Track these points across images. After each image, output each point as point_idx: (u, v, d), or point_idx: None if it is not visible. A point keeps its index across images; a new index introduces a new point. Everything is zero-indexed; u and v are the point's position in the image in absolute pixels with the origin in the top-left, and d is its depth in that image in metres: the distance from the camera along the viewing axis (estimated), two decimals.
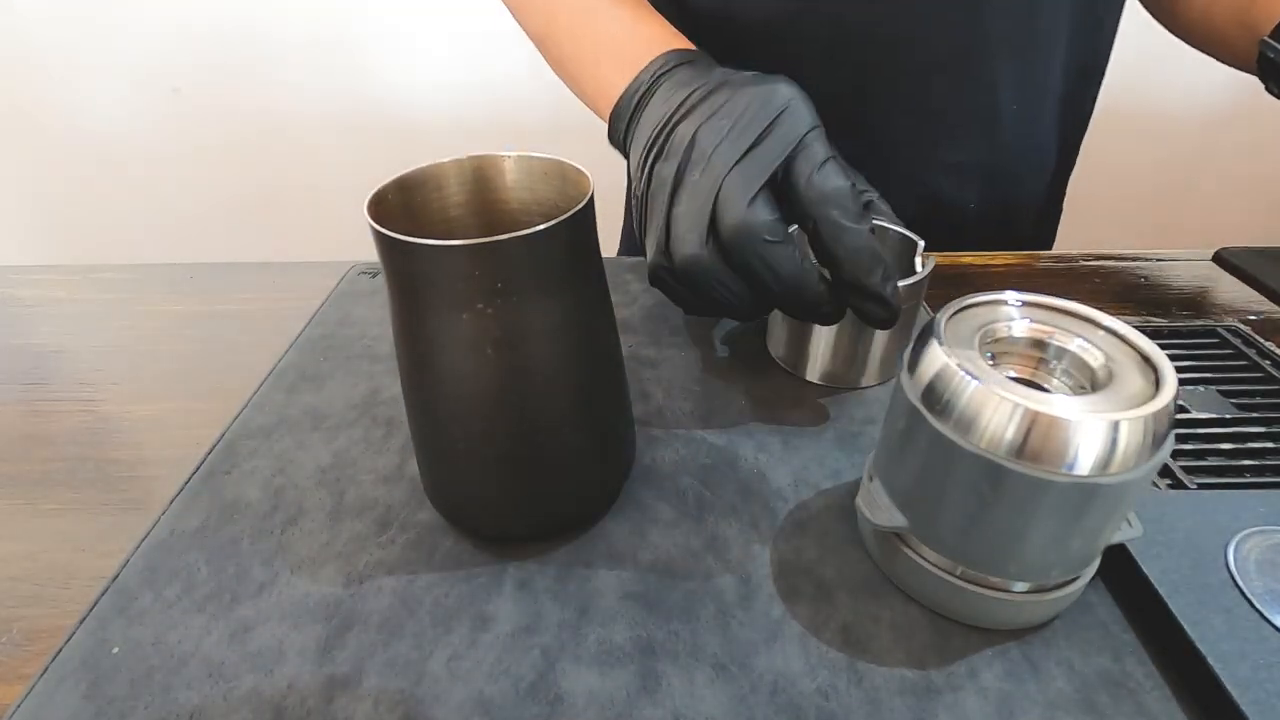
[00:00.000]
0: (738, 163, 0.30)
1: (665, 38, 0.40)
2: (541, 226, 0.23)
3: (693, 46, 0.40)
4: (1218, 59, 0.54)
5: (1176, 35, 0.57)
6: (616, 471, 0.31)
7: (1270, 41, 0.45)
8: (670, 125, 0.32)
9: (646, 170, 0.33)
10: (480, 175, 0.29)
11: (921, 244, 0.36)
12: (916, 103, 0.47)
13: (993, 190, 0.55)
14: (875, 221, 0.37)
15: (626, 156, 0.37)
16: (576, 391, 0.27)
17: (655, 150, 0.32)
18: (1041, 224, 0.62)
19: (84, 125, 1.35)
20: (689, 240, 0.30)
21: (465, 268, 0.23)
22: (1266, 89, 0.48)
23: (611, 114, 0.38)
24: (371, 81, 1.30)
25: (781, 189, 0.31)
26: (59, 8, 1.24)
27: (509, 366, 0.25)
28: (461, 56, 1.24)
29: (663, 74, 0.36)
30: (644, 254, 0.33)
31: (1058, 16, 0.49)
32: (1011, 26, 0.48)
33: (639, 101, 0.36)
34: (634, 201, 0.34)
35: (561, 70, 0.48)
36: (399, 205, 0.27)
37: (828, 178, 0.30)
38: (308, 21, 1.24)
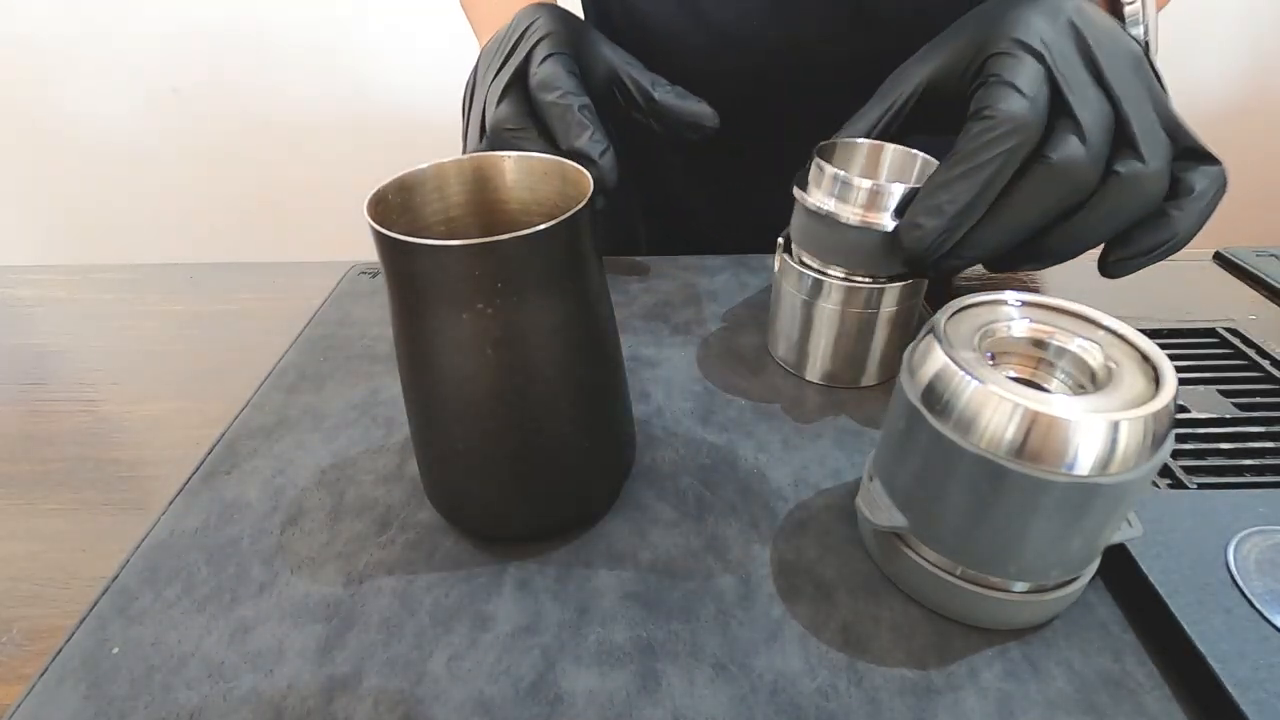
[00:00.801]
0: (492, 80, 0.39)
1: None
2: (541, 226, 0.23)
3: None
4: None
5: None
6: (616, 471, 0.31)
7: None
8: (477, 64, 0.44)
9: (469, 88, 0.44)
10: (480, 175, 0.29)
11: (931, 161, 0.35)
12: (820, 113, 0.48)
13: None
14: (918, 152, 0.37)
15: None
16: (576, 391, 0.27)
17: (469, 85, 0.44)
18: None
19: (84, 125, 1.35)
20: (472, 139, 0.41)
21: (465, 268, 0.23)
22: None
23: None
24: (371, 81, 1.30)
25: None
26: (59, 8, 1.24)
27: (509, 366, 0.25)
28: (462, 57, 1.24)
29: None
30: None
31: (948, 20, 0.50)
32: (898, 33, 0.48)
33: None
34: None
35: (478, 35, 0.59)
36: (399, 205, 0.27)
37: (541, 71, 0.38)
38: (308, 22, 1.24)
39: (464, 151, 0.40)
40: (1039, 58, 0.29)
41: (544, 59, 0.38)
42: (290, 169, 1.38)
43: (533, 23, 0.40)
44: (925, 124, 0.36)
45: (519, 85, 0.39)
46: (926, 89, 0.35)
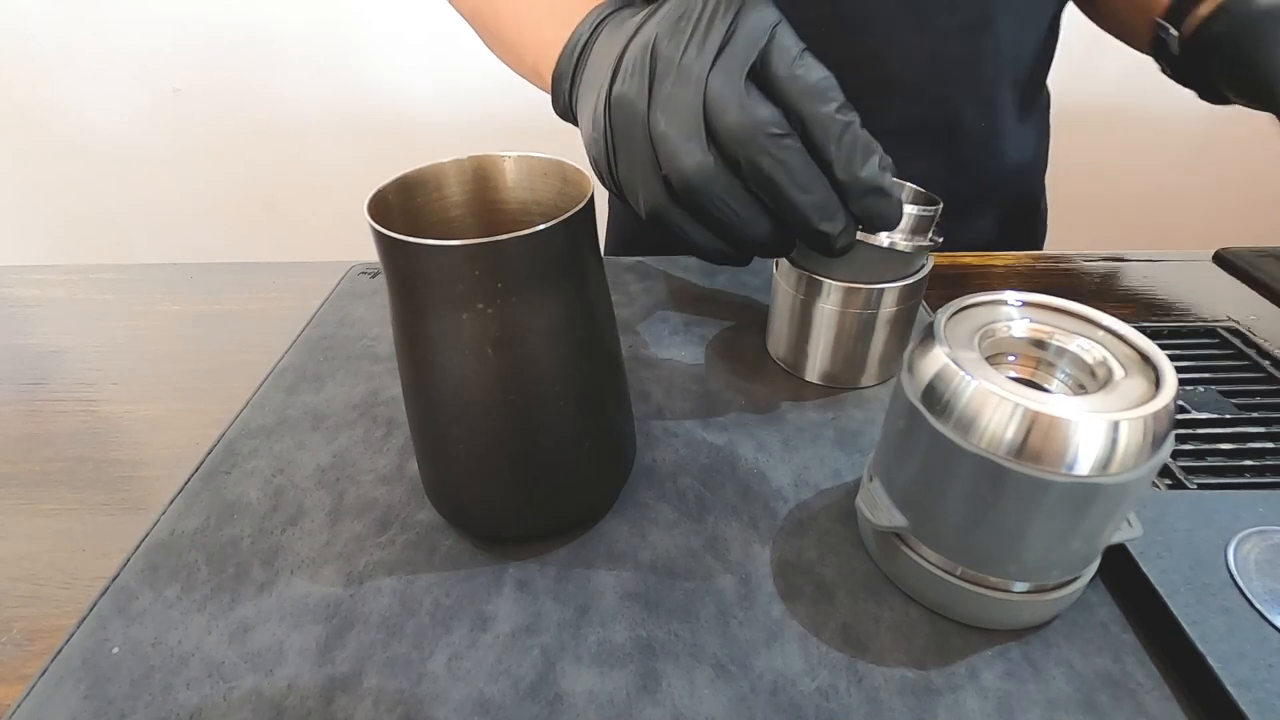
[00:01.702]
0: (713, 65, 0.26)
1: None
2: (541, 226, 0.23)
3: None
4: (1132, 46, 0.55)
5: (1100, 26, 0.58)
6: (617, 472, 0.31)
7: (1161, 22, 0.46)
8: (621, 51, 0.29)
9: (605, 101, 0.29)
10: (480, 175, 0.29)
11: (940, 205, 0.35)
12: (872, 123, 0.48)
13: (960, 206, 0.56)
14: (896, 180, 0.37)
15: (574, 118, 0.34)
16: (576, 391, 0.27)
17: (610, 80, 0.29)
18: (1020, 228, 0.62)
19: (84, 125, 1.35)
20: (689, 151, 0.26)
21: (465, 268, 0.23)
22: (1164, 72, 0.49)
23: (554, 73, 0.35)
24: (372, 82, 1.30)
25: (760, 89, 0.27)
26: (59, 8, 1.24)
27: (509, 367, 0.25)
28: (462, 57, 1.24)
29: (602, 20, 0.33)
30: (627, 202, 0.30)
31: (1005, 28, 0.49)
32: (961, 44, 0.48)
33: (582, 50, 0.33)
34: (594, 150, 0.30)
35: (500, 45, 0.45)
36: (399, 205, 0.27)
37: (810, 69, 0.27)
38: (308, 22, 1.24)
39: (631, 193, 0.29)
40: None
41: (801, 53, 0.27)
42: (290, 169, 1.38)
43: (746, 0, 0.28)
44: None
45: (757, 78, 0.27)
46: None
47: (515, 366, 0.25)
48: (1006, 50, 0.51)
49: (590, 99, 0.30)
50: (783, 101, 0.27)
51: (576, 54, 0.33)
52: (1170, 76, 0.49)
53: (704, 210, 0.28)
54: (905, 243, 0.34)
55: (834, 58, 0.51)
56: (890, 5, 0.47)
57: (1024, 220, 0.62)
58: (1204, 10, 0.44)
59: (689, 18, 0.28)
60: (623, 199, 0.30)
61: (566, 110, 0.35)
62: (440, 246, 0.22)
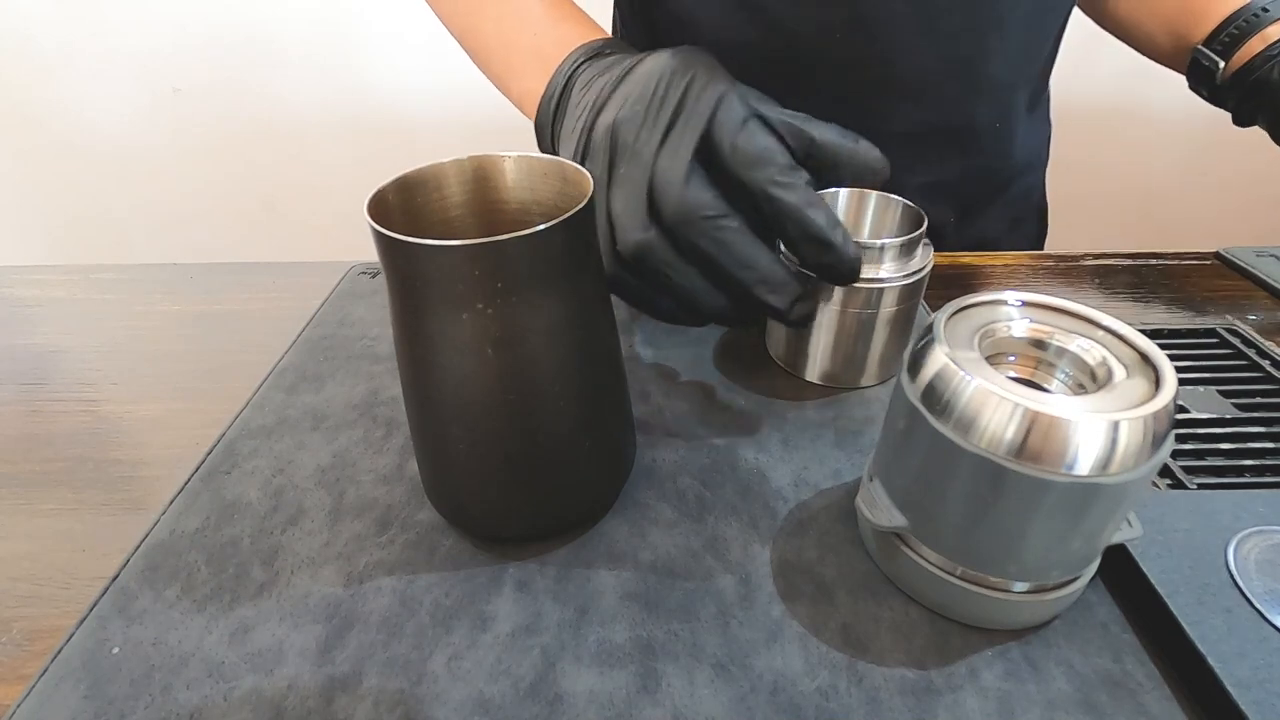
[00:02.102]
0: (661, 146, 0.29)
1: (577, 35, 0.39)
2: (541, 227, 0.23)
3: (606, 35, 0.39)
4: (1143, 54, 0.55)
5: (1104, 28, 0.58)
6: (617, 472, 0.31)
7: (1204, 49, 0.47)
8: (589, 125, 0.32)
9: None
10: (480, 175, 0.29)
11: (925, 224, 0.36)
12: (886, 126, 0.48)
13: (971, 205, 0.56)
14: (890, 196, 0.38)
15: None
16: (576, 392, 0.27)
17: (580, 154, 0.32)
18: (1025, 227, 0.62)
19: (84, 125, 1.35)
20: (631, 228, 0.29)
21: (465, 268, 0.23)
22: (1193, 90, 0.50)
23: (535, 122, 0.38)
24: (372, 81, 1.30)
25: (712, 164, 0.30)
26: (59, 8, 1.24)
27: (509, 367, 0.25)
28: (462, 57, 1.24)
29: (573, 73, 0.36)
30: None
31: (1015, 28, 0.49)
32: (970, 46, 0.48)
33: (556, 107, 0.36)
34: None
35: (484, 67, 0.48)
36: (399, 205, 0.27)
37: (750, 139, 0.29)
38: (308, 22, 1.24)
39: (605, 268, 0.31)
40: None
41: (743, 122, 0.29)
42: (291, 169, 1.38)
43: (695, 73, 0.30)
44: None
45: (703, 155, 0.29)
46: None
47: (515, 366, 0.25)
48: (1017, 50, 0.51)
49: (566, 157, 0.33)
50: (729, 174, 0.29)
51: (553, 108, 0.36)
52: (1204, 98, 0.50)
53: (653, 281, 0.30)
54: (895, 274, 0.35)
55: (847, 61, 0.51)
56: (900, 7, 0.47)
57: (1028, 217, 0.63)
58: (1255, 47, 0.45)
59: (644, 99, 0.30)
60: None
61: (551, 151, 0.38)
62: (440, 246, 0.22)
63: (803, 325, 0.33)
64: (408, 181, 0.27)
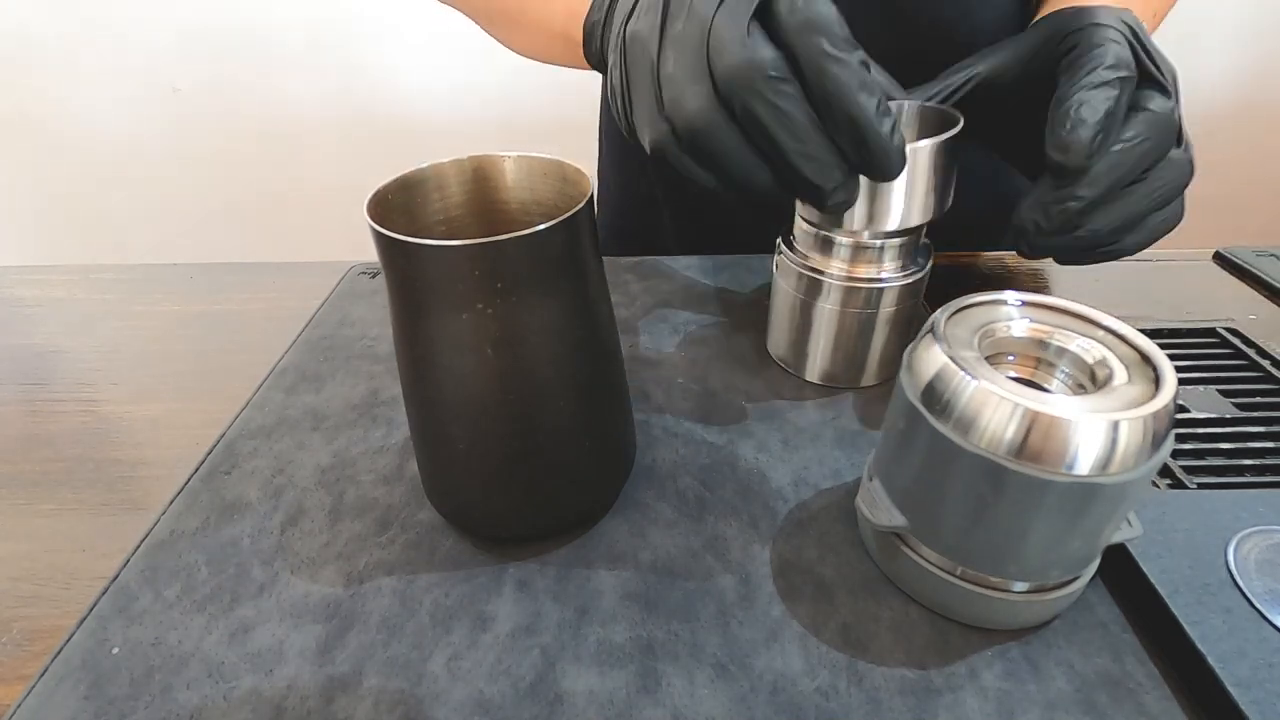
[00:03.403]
0: (720, 2, 0.26)
1: None
2: (541, 226, 0.23)
3: None
4: None
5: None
6: (617, 472, 0.31)
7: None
8: None
9: (621, 38, 0.30)
10: (480, 175, 0.29)
11: (961, 122, 0.33)
12: None
13: (996, 189, 0.56)
14: (916, 99, 0.37)
15: (606, 64, 0.35)
16: (576, 392, 0.27)
17: (628, 16, 0.30)
18: (1004, 219, 0.62)
19: (84, 125, 1.35)
20: (690, 95, 0.27)
21: (465, 268, 0.23)
22: None
23: (587, 23, 0.36)
24: (372, 81, 1.30)
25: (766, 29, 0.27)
26: (59, 8, 1.24)
27: (509, 367, 0.25)
28: (462, 57, 1.24)
29: None
30: (634, 136, 0.31)
31: (983, 22, 0.49)
32: (937, 41, 0.48)
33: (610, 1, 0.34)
34: (611, 86, 0.31)
35: (519, 22, 0.45)
36: (399, 205, 0.27)
37: (811, 3, 0.26)
38: (308, 22, 1.24)
39: (639, 130, 0.29)
40: (1120, 32, 0.32)
41: None
42: (290, 169, 1.38)
43: None
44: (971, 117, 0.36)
45: (761, 19, 0.27)
46: (982, 81, 0.36)
47: (515, 366, 0.25)
48: (984, 31, 0.51)
49: (612, 38, 0.31)
50: (784, 40, 0.26)
51: (606, 4, 0.34)
52: None
53: (704, 154, 0.28)
54: (895, 274, 0.34)
55: (888, 41, 0.50)
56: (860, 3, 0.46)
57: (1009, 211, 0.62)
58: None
59: None
60: (633, 137, 0.31)
61: (600, 59, 0.36)
62: (440, 247, 0.22)
63: (839, 210, 0.30)
64: (408, 181, 0.27)
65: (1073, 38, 0.33)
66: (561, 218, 0.23)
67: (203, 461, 0.35)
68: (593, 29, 0.36)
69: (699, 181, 0.30)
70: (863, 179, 0.30)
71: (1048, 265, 0.52)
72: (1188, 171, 0.34)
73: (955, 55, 0.51)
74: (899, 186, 0.31)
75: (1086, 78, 0.30)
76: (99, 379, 0.43)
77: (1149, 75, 0.32)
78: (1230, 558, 0.26)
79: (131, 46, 1.27)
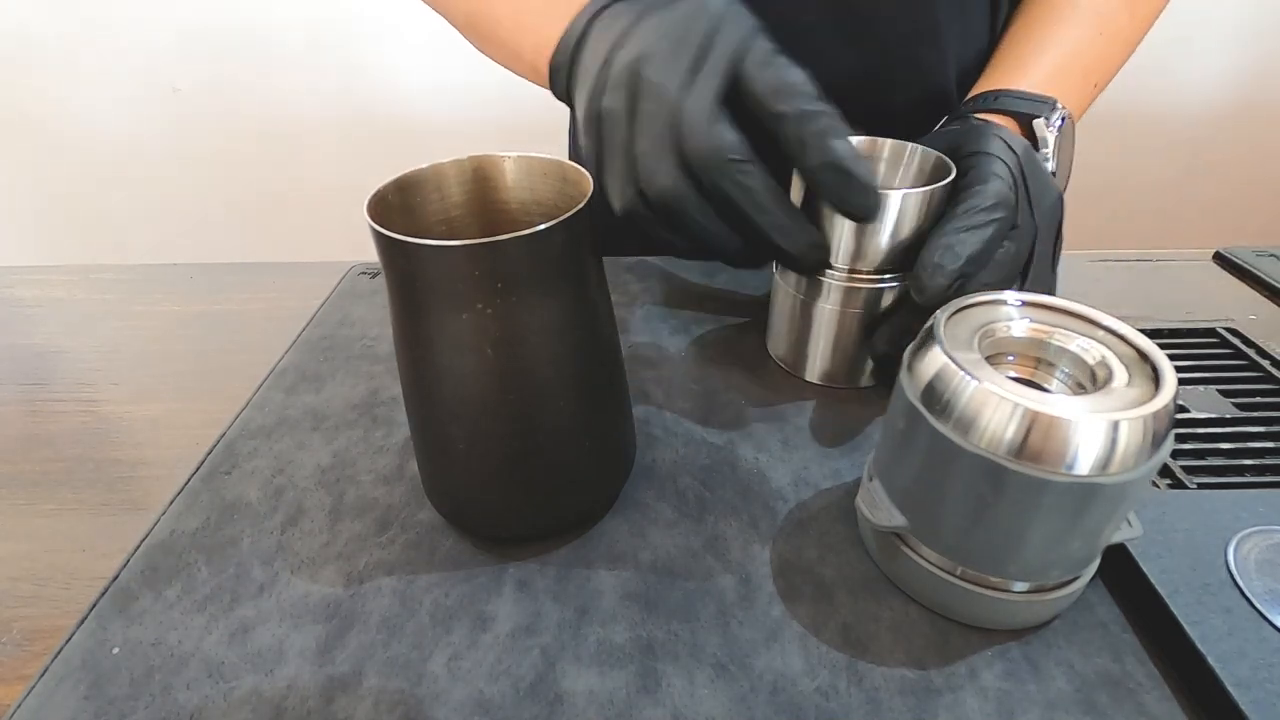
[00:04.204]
0: (687, 84, 0.28)
1: None
2: (541, 226, 0.23)
3: None
4: None
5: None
6: (616, 471, 0.31)
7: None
8: (609, 60, 0.31)
9: (595, 108, 0.31)
10: (480, 175, 0.29)
11: (954, 172, 0.35)
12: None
13: None
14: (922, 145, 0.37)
15: (571, 103, 0.36)
16: (576, 391, 0.27)
17: (599, 87, 0.31)
18: None
19: (84, 125, 1.35)
20: (661, 172, 0.29)
21: (465, 268, 0.23)
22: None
23: (551, 65, 0.37)
24: (371, 82, 1.30)
25: (736, 105, 0.29)
26: (59, 8, 1.24)
27: (509, 366, 0.25)
28: (462, 57, 1.24)
29: (598, 13, 0.35)
30: (606, 195, 0.32)
31: (951, 37, 0.50)
32: (904, 56, 0.49)
33: (576, 45, 0.35)
34: (584, 140, 0.33)
35: (493, 41, 0.46)
36: (399, 205, 0.27)
37: (780, 70, 0.29)
38: (308, 22, 1.24)
39: (610, 195, 0.31)
40: (1007, 165, 0.35)
41: (774, 55, 0.29)
42: (290, 169, 1.38)
43: (725, 14, 0.30)
44: None
45: (727, 97, 0.29)
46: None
47: (515, 366, 0.25)
48: (954, 60, 0.51)
49: (582, 101, 0.32)
50: (759, 106, 0.29)
51: (570, 49, 0.35)
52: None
53: (675, 223, 0.30)
54: (895, 275, 0.35)
55: (849, 59, 0.50)
56: (822, 17, 0.46)
57: None
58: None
59: (670, 35, 0.30)
60: (604, 193, 0.32)
61: (565, 98, 0.37)
62: (440, 247, 0.22)
63: (815, 272, 0.34)
64: (407, 181, 0.27)
65: (965, 163, 0.35)
66: (562, 218, 0.23)
67: (203, 461, 0.35)
68: (556, 70, 0.37)
69: (668, 242, 0.32)
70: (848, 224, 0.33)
71: None
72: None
73: (924, 81, 0.51)
74: (886, 230, 0.33)
75: (961, 219, 0.32)
76: (99, 379, 0.43)
77: (1024, 199, 0.35)
78: (1230, 558, 0.26)
79: (131, 46, 1.27)
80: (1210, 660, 0.23)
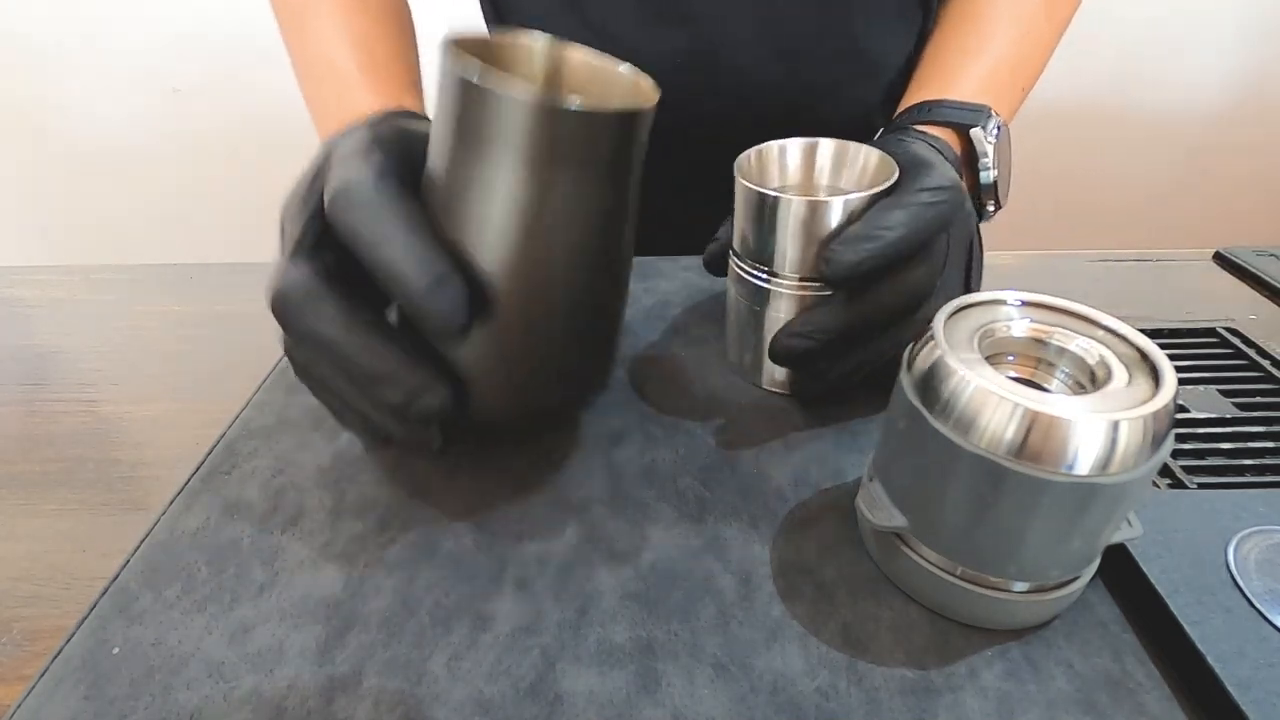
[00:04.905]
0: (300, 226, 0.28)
1: (369, 103, 0.39)
2: (632, 107, 0.24)
3: (401, 102, 0.39)
4: None
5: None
6: (602, 367, 0.31)
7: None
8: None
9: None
10: (553, 63, 0.29)
11: (895, 175, 0.33)
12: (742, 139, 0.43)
13: None
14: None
15: None
16: (598, 278, 0.27)
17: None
18: None
19: (84, 125, 1.35)
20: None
21: (536, 126, 0.23)
22: None
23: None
24: None
25: None
26: (59, 8, 1.24)
27: (549, 240, 0.25)
28: None
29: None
30: None
31: (878, 51, 0.51)
32: (829, 70, 0.50)
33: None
34: None
35: (296, 69, 0.49)
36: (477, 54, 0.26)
37: (345, 175, 0.26)
38: None
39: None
40: (950, 162, 0.34)
41: (347, 180, 0.26)
42: (291, 169, 1.37)
43: (330, 150, 0.29)
44: None
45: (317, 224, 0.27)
46: None
47: (554, 241, 0.25)
48: (879, 77, 0.51)
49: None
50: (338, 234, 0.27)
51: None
52: None
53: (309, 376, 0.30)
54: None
55: (694, 88, 0.51)
56: (748, 33, 0.46)
57: None
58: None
59: (299, 184, 0.30)
60: None
61: None
62: (525, 101, 0.22)
63: (429, 421, 0.28)
64: (486, 40, 0.27)
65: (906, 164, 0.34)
66: (640, 107, 0.24)
67: (203, 461, 0.35)
68: None
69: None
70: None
71: (1048, 265, 0.52)
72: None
73: (853, 96, 0.51)
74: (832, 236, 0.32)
75: (900, 196, 0.31)
76: (99, 379, 0.43)
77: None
78: (1230, 558, 0.26)
79: (131, 47, 1.27)
80: (1210, 660, 0.23)
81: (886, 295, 0.31)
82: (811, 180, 0.38)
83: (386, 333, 0.26)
